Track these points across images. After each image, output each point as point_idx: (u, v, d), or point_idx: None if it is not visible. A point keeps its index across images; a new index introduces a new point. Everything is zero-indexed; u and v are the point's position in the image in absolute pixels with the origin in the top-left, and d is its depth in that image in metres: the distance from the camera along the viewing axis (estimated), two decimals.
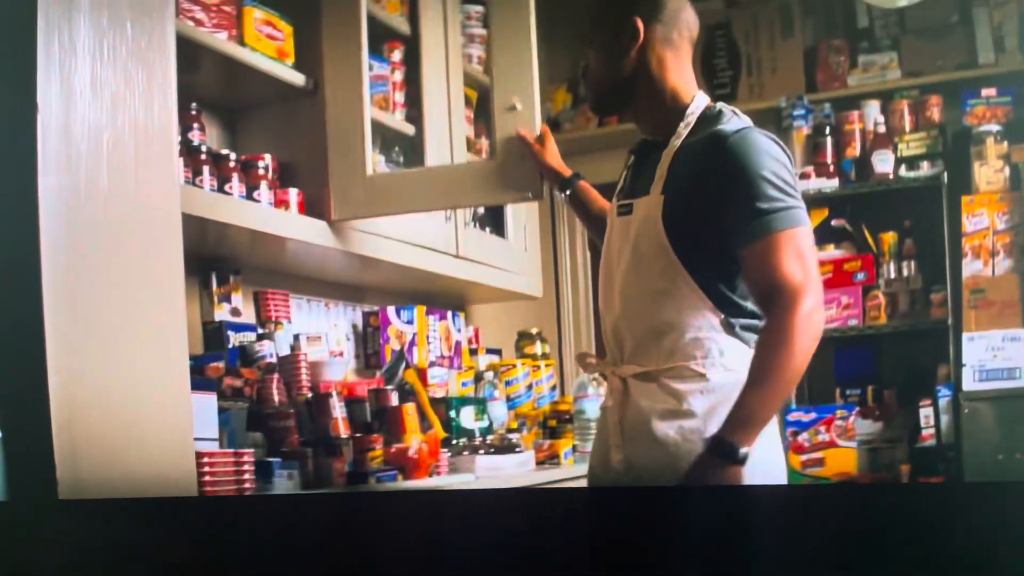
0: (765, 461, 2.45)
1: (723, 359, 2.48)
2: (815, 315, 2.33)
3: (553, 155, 3.18)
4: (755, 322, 2.49)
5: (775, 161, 2.42)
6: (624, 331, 2.60)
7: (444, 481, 3.47)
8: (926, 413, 5.23)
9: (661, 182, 2.51)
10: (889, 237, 5.57)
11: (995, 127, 5.30)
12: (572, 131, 6.12)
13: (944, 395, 5.19)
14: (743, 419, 2.34)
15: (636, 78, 2.62)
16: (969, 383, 5.09)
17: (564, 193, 3.13)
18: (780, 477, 2.59)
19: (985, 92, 5.45)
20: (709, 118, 2.55)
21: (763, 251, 2.36)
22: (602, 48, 2.66)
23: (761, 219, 2.36)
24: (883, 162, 5.51)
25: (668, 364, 2.51)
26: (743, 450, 2.31)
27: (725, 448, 2.32)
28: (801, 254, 2.36)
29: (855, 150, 5.62)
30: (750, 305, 2.50)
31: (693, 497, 2.29)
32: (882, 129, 5.55)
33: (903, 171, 5.51)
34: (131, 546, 2.12)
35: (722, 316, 2.48)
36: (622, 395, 2.59)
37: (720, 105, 2.60)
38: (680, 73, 2.64)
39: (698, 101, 2.61)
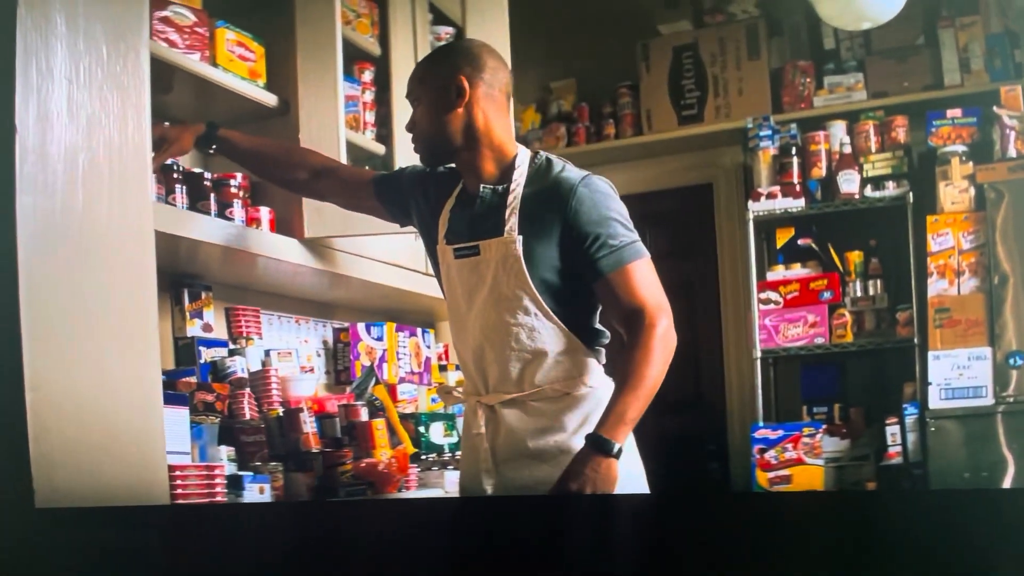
0: (628, 474, 2.69)
1: (583, 378, 2.77)
2: (671, 332, 2.67)
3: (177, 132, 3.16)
4: (604, 340, 2.84)
5: (618, 202, 2.76)
6: (488, 363, 2.80)
7: (413, 496, 3.50)
8: (892, 431, 5.28)
9: (514, 226, 2.73)
10: (855, 256, 5.64)
11: (960, 148, 5.37)
12: (540, 150, 6.16)
13: (910, 413, 5.25)
14: (615, 418, 2.59)
15: (463, 132, 2.82)
16: (935, 401, 5.15)
17: (209, 150, 3.23)
18: (642, 486, 2.82)
19: (950, 113, 5.51)
20: (542, 167, 2.82)
21: (622, 280, 2.68)
22: (431, 105, 2.83)
23: (616, 253, 2.69)
24: (849, 182, 5.57)
25: (534, 388, 2.76)
26: (617, 445, 2.57)
27: (600, 443, 2.57)
28: (651, 280, 2.71)
29: (821, 170, 5.68)
30: (599, 326, 2.83)
31: (659, 503, 2.35)
32: (848, 150, 5.62)
33: (869, 191, 5.57)
34: (107, 554, 2.15)
35: (577, 340, 2.76)
36: (491, 422, 2.80)
37: (544, 154, 2.87)
38: (503, 126, 2.87)
39: (522, 153, 2.86)
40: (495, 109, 2.83)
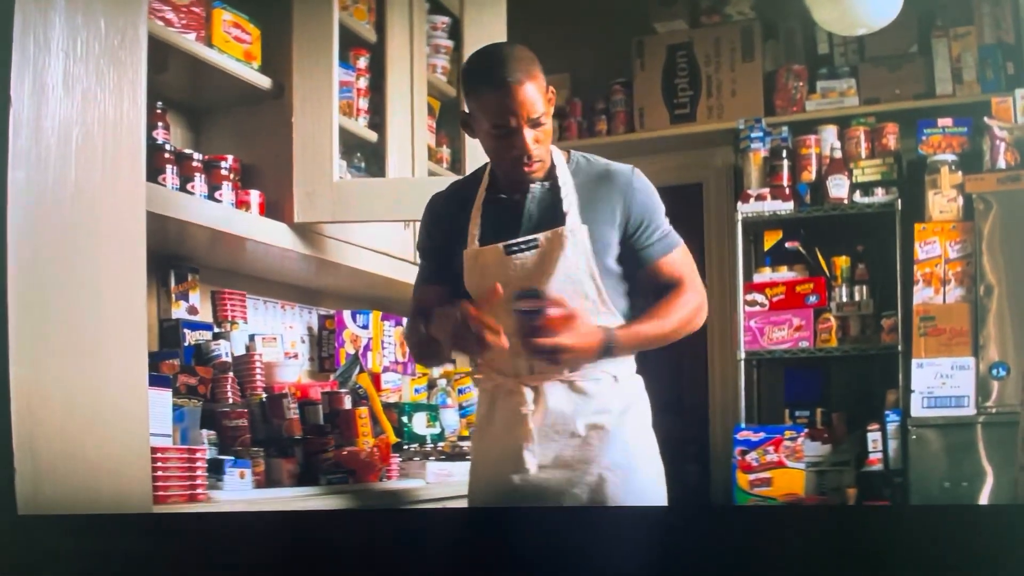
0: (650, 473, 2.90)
1: (628, 363, 2.92)
2: (704, 310, 2.91)
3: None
4: None
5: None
6: None
7: (394, 486, 3.49)
8: (874, 437, 5.29)
9: (576, 216, 2.80)
10: (842, 261, 5.64)
11: (950, 157, 5.37)
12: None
13: (892, 420, 5.25)
14: (631, 330, 2.79)
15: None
16: (917, 409, 5.16)
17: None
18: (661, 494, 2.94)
19: (941, 122, 5.52)
20: (581, 162, 2.90)
21: (670, 264, 2.88)
22: (548, 118, 2.78)
23: (665, 240, 2.87)
24: (838, 187, 5.57)
25: (580, 370, 2.82)
26: (615, 343, 2.73)
27: (611, 338, 2.73)
28: (693, 264, 2.94)
29: (811, 174, 5.68)
30: (628, 307, 2.91)
31: (633, 513, 2.36)
32: (838, 154, 5.62)
33: (858, 197, 5.57)
34: (89, 558, 2.14)
35: (623, 323, 2.84)
36: (536, 403, 2.83)
37: (573, 151, 2.94)
38: None
39: (556, 151, 2.89)
40: None
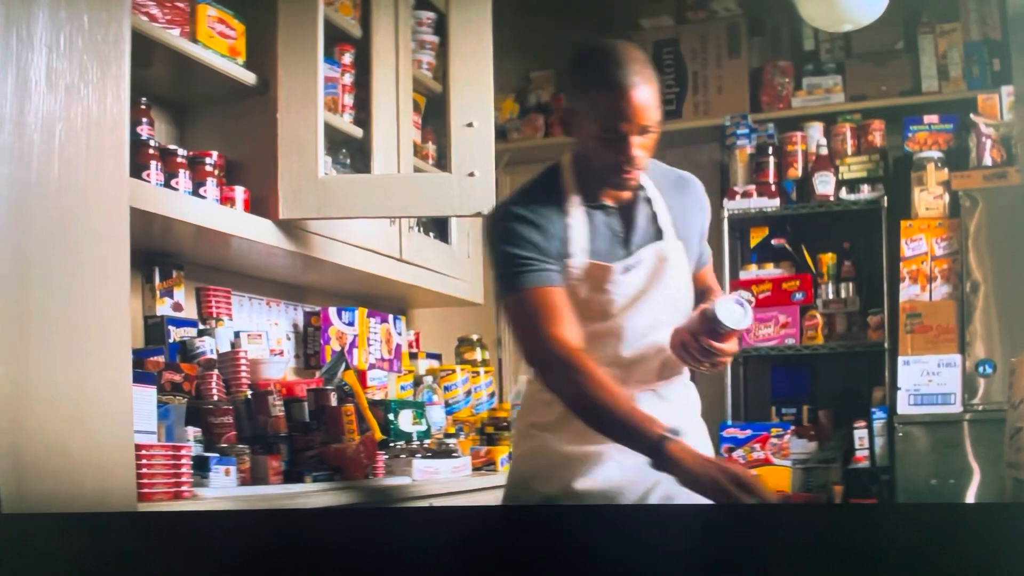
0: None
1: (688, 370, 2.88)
2: None
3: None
4: None
5: None
6: (648, 358, 2.80)
7: (380, 483, 3.48)
8: (860, 435, 5.30)
9: (671, 230, 2.76)
10: (828, 258, 5.65)
11: (936, 154, 5.39)
12: (519, 140, 6.17)
13: (879, 417, 5.27)
14: None
15: None
16: (904, 407, 5.17)
17: None
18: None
19: (927, 119, 5.54)
20: (649, 164, 2.74)
21: (711, 269, 2.98)
22: (658, 124, 2.67)
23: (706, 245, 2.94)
24: (824, 184, 5.58)
25: (670, 377, 2.83)
26: None
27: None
28: None
29: (797, 171, 5.69)
30: None
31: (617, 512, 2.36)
32: (824, 151, 5.63)
33: (844, 193, 5.58)
34: (73, 557, 2.13)
35: None
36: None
37: None
38: None
39: None
40: None
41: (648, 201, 2.76)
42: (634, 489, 2.73)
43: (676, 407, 2.81)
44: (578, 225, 2.71)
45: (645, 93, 2.59)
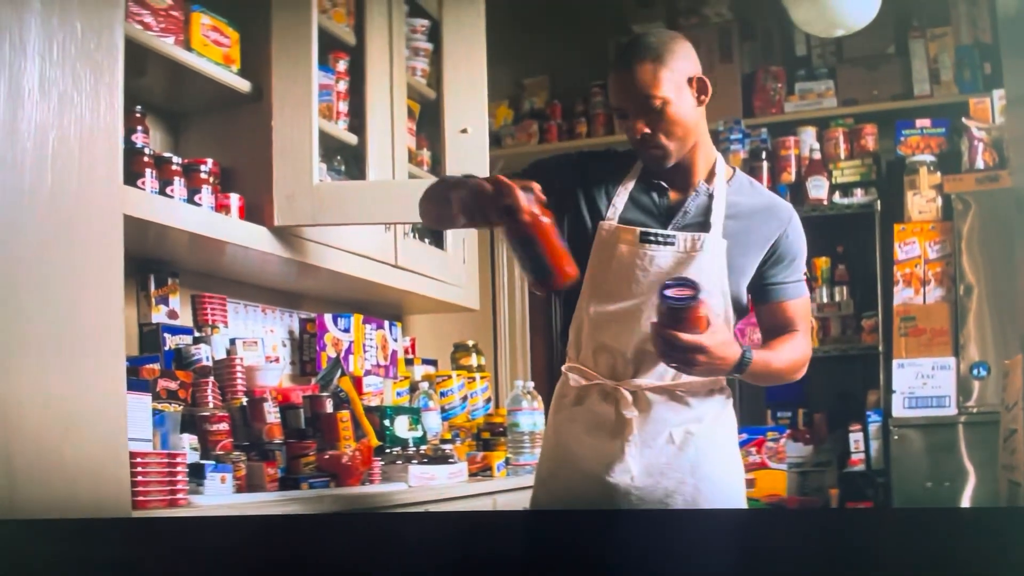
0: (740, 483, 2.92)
1: (722, 378, 2.84)
2: (806, 367, 2.88)
3: None
4: None
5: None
6: (648, 350, 2.72)
7: (376, 489, 3.49)
8: (856, 438, 5.31)
9: (719, 228, 2.76)
10: (822, 262, 5.66)
11: (928, 158, 5.41)
12: (513, 146, 6.19)
13: (874, 421, 5.28)
14: (762, 362, 2.70)
15: (700, 130, 2.79)
16: (899, 410, 5.19)
17: None
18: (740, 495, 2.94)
19: (919, 123, 5.57)
20: (745, 182, 2.87)
21: (794, 309, 2.85)
22: (682, 104, 2.71)
23: (798, 284, 2.86)
24: (817, 188, 5.60)
25: (686, 380, 2.75)
26: (750, 357, 2.65)
27: (746, 358, 2.64)
28: (809, 317, 3.07)
29: (790, 175, 5.71)
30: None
31: (615, 520, 2.37)
32: (817, 156, 5.65)
33: (837, 197, 5.61)
34: (67, 564, 2.13)
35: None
36: (637, 407, 2.76)
37: (736, 168, 2.91)
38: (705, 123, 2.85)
39: (720, 159, 2.85)
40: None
41: (709, 196, 2.78)
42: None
43: (692, 412, 2.77)
44: (622, 193, 2.81)
45: (636, 71, 2.67)
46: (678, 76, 2.70)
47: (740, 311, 2.82)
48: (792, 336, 2.82)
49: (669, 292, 2.50)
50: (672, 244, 2.73)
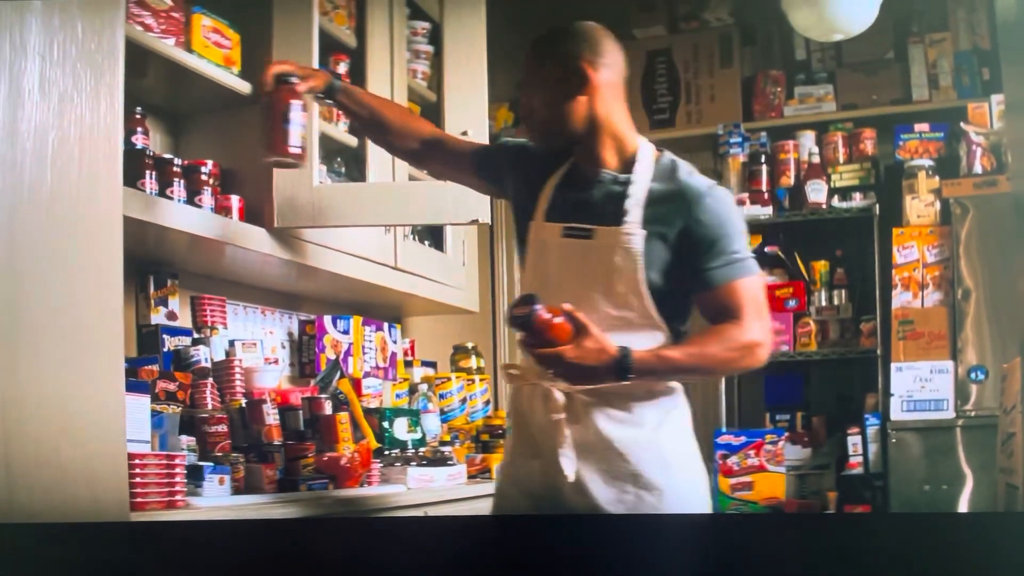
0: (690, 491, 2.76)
1: None
2: (758, 351, 2.65)
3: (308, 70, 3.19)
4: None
5: (738, 216, 2.74)
6: None
7: (375, 491, 3.49)
8: (854, 441, 5.31)
9: (637, 219, 2.68)
10: (821, 266, 5.67)
11: (927, 162, 5.42)
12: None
13: (872, 424, 5.28)
14: (653, 354, 2.61)
15: (586, 120, 2.75)
16: (897, 413, 5.20)
17: (330, 99, 3.21)
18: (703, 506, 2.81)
19: (918, 127, 5.59)
20: (667, 166, 2.75)
21: (729, 295, 2.66)
22: (551, 93, 2.76)
23: (728, 268, 2.66)
24: (816, 192, 5.61)
25: (622, 383, 2.63)
26: (631, 376, 2.56)
27: (626, 361, 2.56)
28: (758, 298, 2.69)
29: (790, 179, 5.72)
30: (686, 329, 2.78)
31: (618, 522, 2.37)
32: (816, 160, 5.65)
33: (836, 201, 5.61)
34: (65, 566, 2.13)
35: (670, 339, 2.71)
36: (568, 409, 2.72)
37: (668, 153, 2.81)
38: (623, 114, 2.80)
39: (644, 147, 2.78)
40: (615, 96, 2.77)
41: (623, 186, 2.73)
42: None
43: (631, 416, 2.70)
44: (548, 189, 2.84)
45: (532, 54, 2.83)
46: (559, 64, 2.75)
47: (676, 305, 2.73)
48: (724, 326, 2.65)
49: (514, 310, 2.54)
50: (590, 238, 2.71)
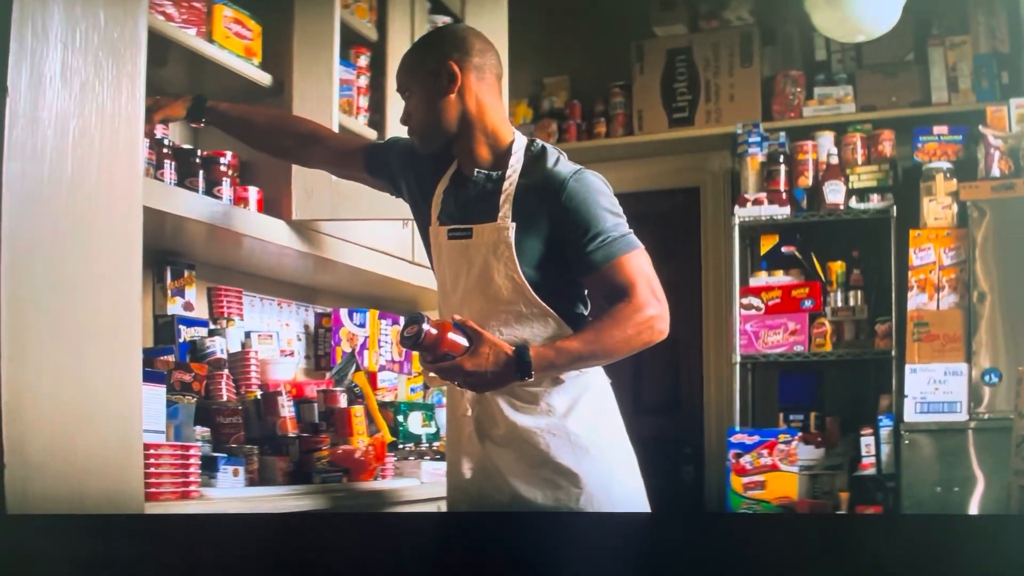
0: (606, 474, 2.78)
1: None
2: (656, 322, 2.67)
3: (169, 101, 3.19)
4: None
5: (608, 196, 2.75)
6: None
7: (389, 485, 3.49)
8: (867, 442, 5.31)
9: (508, 213, 2.74)
10: (837, 266, 5.66)
11: (945, 164, 5.41)
12: (537, 138, 6.18)
13: (885, 425, 5.28)
14: (550, 348, 2.65)
15: (458, 118, 2.82)
16: (910, 415, 5.19)
17: (199, 123, 3.25)
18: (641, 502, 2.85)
19: (937, 130, 5.57)
20: (536, 156, 2.81)
21: (613, 272, 2.68)
22: (423, 94, 2.83)
23: (607, 247, 2.68)
24: (834, 193, 5.59)
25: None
26: (531, 364, 2.60)
27: (524, 359, 2.60)
28: (644, 271, 2.70)
29: (808, 179, 5.71)
30: (584, 312, 2.84)
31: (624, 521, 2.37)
32: (835, 160, 5.64)
33: (853, 202, 5.60)
34: (80, 557, 2.13)
35: (565, 326, 2.76)
36: (478, 404, 2.81)
37: (539, 142, 2.86)
38: (496, 110, 2.88)
39: (518, 139, 2.86)
40: (487, 93, 2.84)
41: (494, 182, 2.80)
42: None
43: (537, 407, 2.74)
44: (439, 192, 2.91)
45: (401, 63, 2.91)
46: (429, 65, 2.81)
47: (565, 292, 2.78)
48: (617, 306, 2.65)
49: (403, 331, 2.58)
50: (469, 237, 2.78)
